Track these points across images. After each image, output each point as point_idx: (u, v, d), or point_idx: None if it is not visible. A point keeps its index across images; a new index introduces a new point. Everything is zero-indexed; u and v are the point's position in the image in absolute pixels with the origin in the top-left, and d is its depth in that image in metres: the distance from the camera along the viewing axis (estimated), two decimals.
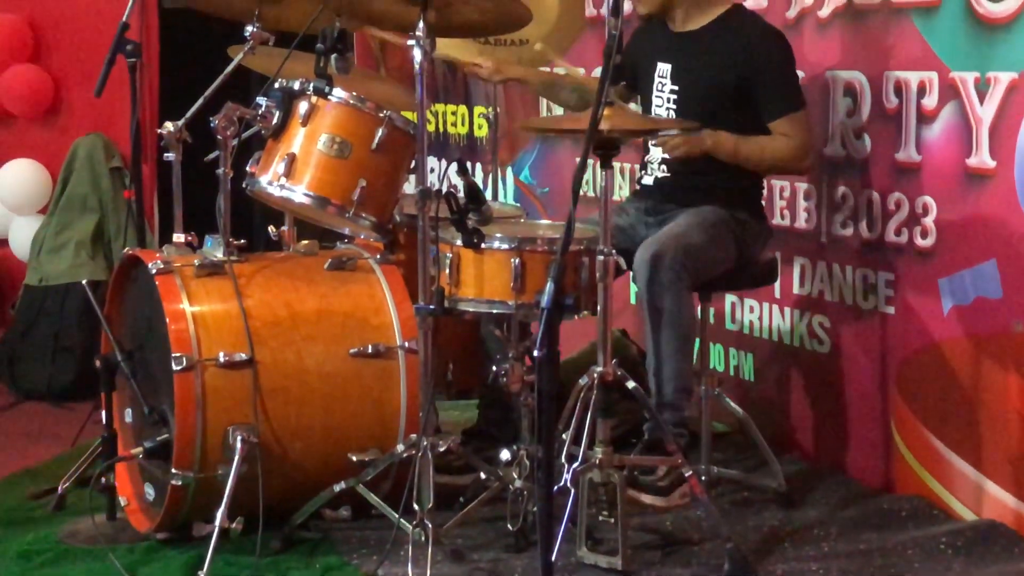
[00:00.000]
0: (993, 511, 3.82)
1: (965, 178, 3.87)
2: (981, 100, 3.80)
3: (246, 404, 3.70)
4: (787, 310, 4.60)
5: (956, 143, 3.89)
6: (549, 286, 3.07)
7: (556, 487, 3.43)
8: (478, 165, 6.20)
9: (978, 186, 3.83)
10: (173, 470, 3.69)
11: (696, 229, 3.98)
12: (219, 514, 3.59)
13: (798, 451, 4.54)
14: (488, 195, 5.44)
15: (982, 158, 3.81)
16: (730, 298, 4.83)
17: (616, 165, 4.97)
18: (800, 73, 4.31)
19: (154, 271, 3.78)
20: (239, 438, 3.65)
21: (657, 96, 4.21)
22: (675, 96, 4.16)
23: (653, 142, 4.18)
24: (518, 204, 5.65)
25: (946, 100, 3.92)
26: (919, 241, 4.04)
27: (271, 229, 4.35)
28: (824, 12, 4.35)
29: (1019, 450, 3.73)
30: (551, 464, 3.18)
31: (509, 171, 6.05)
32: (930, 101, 3.97)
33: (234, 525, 3.61)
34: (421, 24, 3.55)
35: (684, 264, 3.86)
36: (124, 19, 4.32)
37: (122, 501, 4.02)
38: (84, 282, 4.16)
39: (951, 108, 3.91)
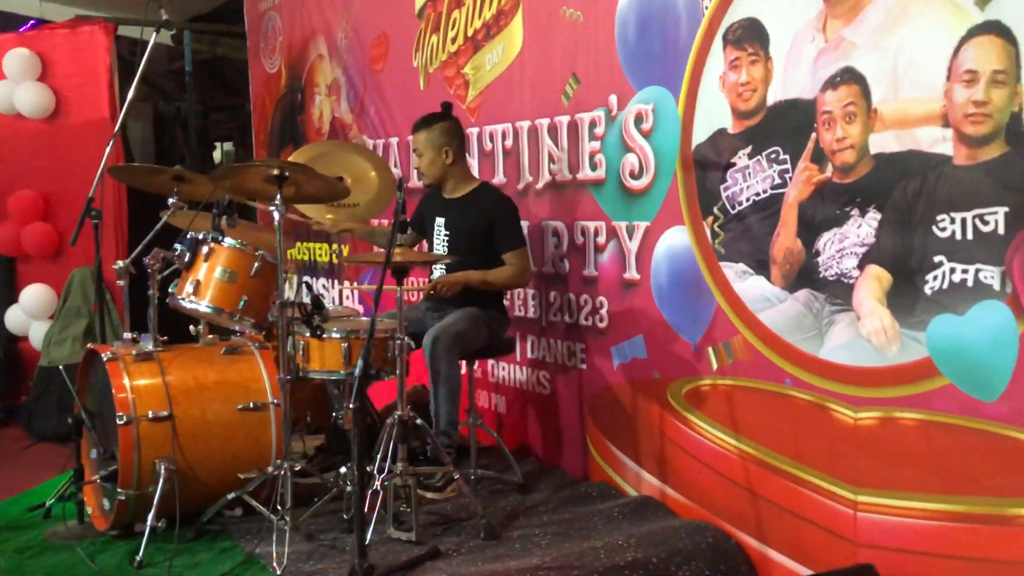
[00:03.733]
0: (647, 489, 3.82)
1: (623, 285, 3.91)
2: (630, 238, 3.86)
3: (168, 444, 3.54)
4: (524, 368, 4.57)
5: (617, 264, 3.94)
6: (359, 362, 3.01)
7: (371, 489, 3.36)
8: (336, 281, 6.09)
9: (631, 290, 3.88)
10: (119, 489, 3.51)
11: (462, 321, 3.93)
12: (150, 517, 3.43)
13: (533, 456, 4.48)
14: (337, 300, 5.35)
15: (632, 273, 3.86)
16: (490, 362, 4.78)
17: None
18: (526, 222, 4.34)
19: (106, 359, 3.61)
20: (163, 467, 3.49)
21: (436, 238, 4.17)
22: (447, 238, 4.13)
23: (431, 275, 4.11)
24: (358, 308, 5.56)
25: (610, 238, 3.97)
26: (598, 324, 4.07)
27: (191, 328, 4.17)
28: (539, 185, 4.37)
29: (659, 450, 3.76)
30: (364, 473, 3.11)
31: (355, 284, 5.95)
32: (601, 239, 4.02)
33: (160, 524, 3.44)
34: (279, 196, 3.46)
35: (453, 344, 3.81)
36: (90, 194, 4.15)
37: (88, 510, 3.81)
38: (61, 367, 3.93)
39: (613, 243, 3.95)
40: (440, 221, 4.17)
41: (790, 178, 3.16)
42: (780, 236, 3.21)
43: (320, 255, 6.22)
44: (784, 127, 3.17)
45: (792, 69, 3.14)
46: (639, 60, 3.75)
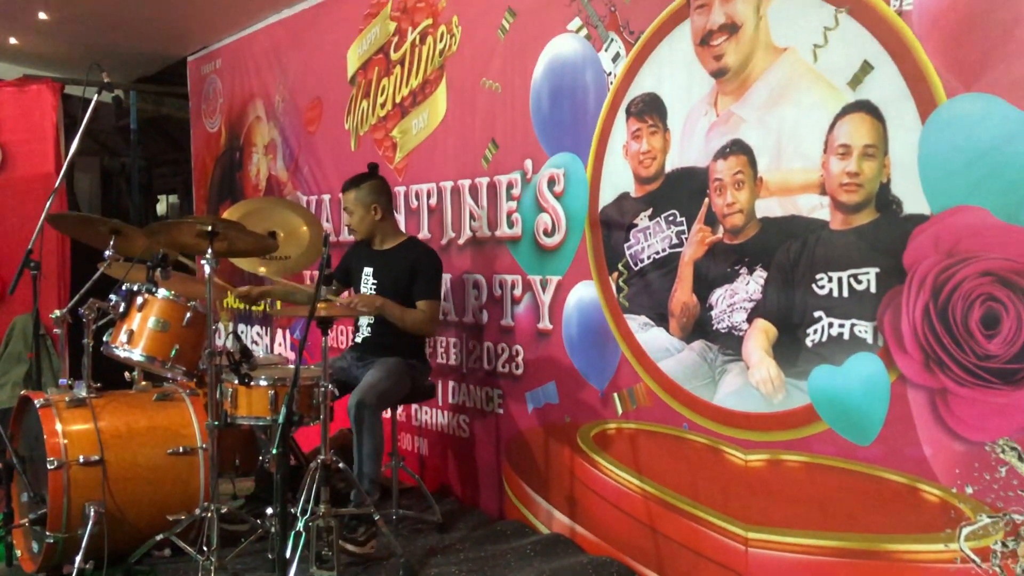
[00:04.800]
0: (558, 527, 3.80)
1: (537, 335, 3.92)
2: (544, 290, 3.87)
3: (98, 488, 3.41)
4: (445, 412, 4.53)
5: (532, 315, 3.94)
6: (283, 409, 2.94)
7: (295, 530, 3.27)
8: (269, 329, 5.98)
9: (544, 339, 3.88)
10: (48, 533, 3.37)
11: (383, 378, 3.82)
12: (78, 559, 3.30)
13: (452, 496, 4.43)
14: (270, 348, 5.24)
15: (545, 323, 3.87)
16: (414, 407, 4.72)
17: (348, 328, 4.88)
18: (449, 275, 4.33)
19: (39, 405, 3.48)
20: (92, 510, 3.36)
21: (364, 286, 4.11)
22: (375, 287, 4.08)
23: (356, 325, 4.03)
24: (287, 355, 5.47)
25: (526, 291, 3.98)
26: (515, 371, 4.06)
27: (126, 374, 4.05)
28: (461, 241, 4.38)
29: (569, 490, 3.74)
30: (286, 515, 3.02)
31: (288, 332, 5.86)
32: (518, 292, 4.02)
33: (88, 565, 3.32)
34: (210, 250, 3.40)
35: (376, 403, 3.71)
36: (29, 246, 4.02)
37: (17, 553, 3.63)
38: None
39: (529, 295, 3.96)
40: (368, 270, 4.13)
41: (686, 238, 3.22)
42: (677, 291, 3.26)
43: (257, 304, 6.11)
44: (680, 192, 3.23)
45: (687, 140, 3.21)
46: (551, 128, 3.80)
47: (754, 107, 2.98)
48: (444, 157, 4.46)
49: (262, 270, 4.37)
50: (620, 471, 3.48)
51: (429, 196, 4.57)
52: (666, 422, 3.29)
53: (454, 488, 4.45)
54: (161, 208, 9.90)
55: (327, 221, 5.31)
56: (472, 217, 4.28)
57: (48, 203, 4.21)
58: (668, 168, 3.28)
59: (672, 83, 3.26)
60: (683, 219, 3.23)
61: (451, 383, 4.46)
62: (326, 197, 5.39)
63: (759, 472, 2.97)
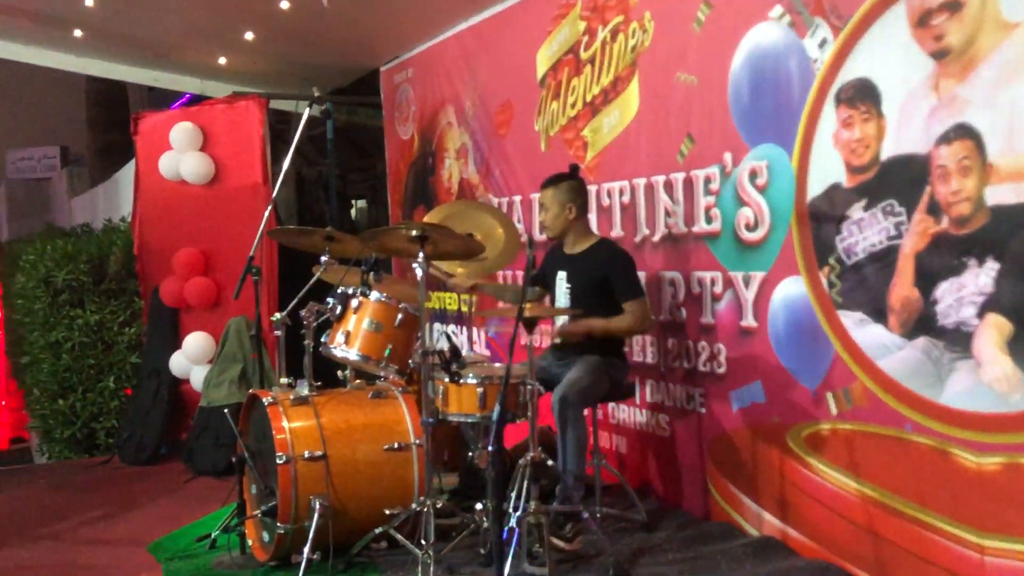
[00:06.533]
0: (768, 530, 3.73)
1: (740, 333, 3.86)
2: (746, 287, 3.81)
3: (322, 482, 3.63)
4: (644, 411, 4.53)
5: (734, 312, 3.89)
6: (496, 407, 3.05)
7: (507, 527, 3.37)
8: (465, 328, 6.17)
9: (748, 337, 3.82)
10: (278, 523, 3.61)
11: (585, 374, 3.87)
12: (306, 549, 3.53)
13: (654, 495, 4.41)
14: (467, 345, 5.41)
15: (749, 321, 3.81)
16: (612, 405, 4.74)
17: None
18: (643, 273, 4.32)
19: (267, 403, 3.74)
20: (317, 503, 3.58)
21: (559, 290, 4.17)
22: (569, 290, 4.12)
23: (556, 326, 4.11)
24: (487, 352, 5.62)
25: (727, 288, 3.93)
26: (717, 370, 4.01)
27: (339, 373, 4.29)
28: (656, 238, 4.37)
29: (780, 492, 3.67)
30: (501, 511, 3.13)
31: (484, 331, 6.03)
32: (718, 288, 3.98)
33: (315, 556, 3.54)
34: (421, 254, 3.55)
35: (578, 399, 3.77)
36: (251, 253, 4.32)
37: (249, 542, 3.93)
38: (226, 410, 4.05)
39: (730, 293, 3.91)
40: (562, 275, 4.18)
41: (906, 230, 3.08)
42: (897, 285, 3.13)
43: (450, 304, 6.33)
44: (898, 181, 3.10)
45: (905, 126, 3.07)
46: (753, 119, 3.73)
47: (982, 88, 2.82)
48: (637, 154, 4.46)
49: (460, 270, 4.53)
50: (836, 473, 3.38)
51: (622, 194, 4.59)
52: (886, 423, 3.17)
53: (655, 487, 4.45)
54: (353, 213, 10.42)
55: (519, 222, 5.42)
56: (667, 214, 4.27)
57: (266, 214, 4.52)
58: (884, 156, 3.15)
59: (886, 67, 3.14)
60: (902, 209, 3.10)
61: (649, 382, 4.46)
62: (517, 198, 5.51)
63: (995, 476, 2.81)
